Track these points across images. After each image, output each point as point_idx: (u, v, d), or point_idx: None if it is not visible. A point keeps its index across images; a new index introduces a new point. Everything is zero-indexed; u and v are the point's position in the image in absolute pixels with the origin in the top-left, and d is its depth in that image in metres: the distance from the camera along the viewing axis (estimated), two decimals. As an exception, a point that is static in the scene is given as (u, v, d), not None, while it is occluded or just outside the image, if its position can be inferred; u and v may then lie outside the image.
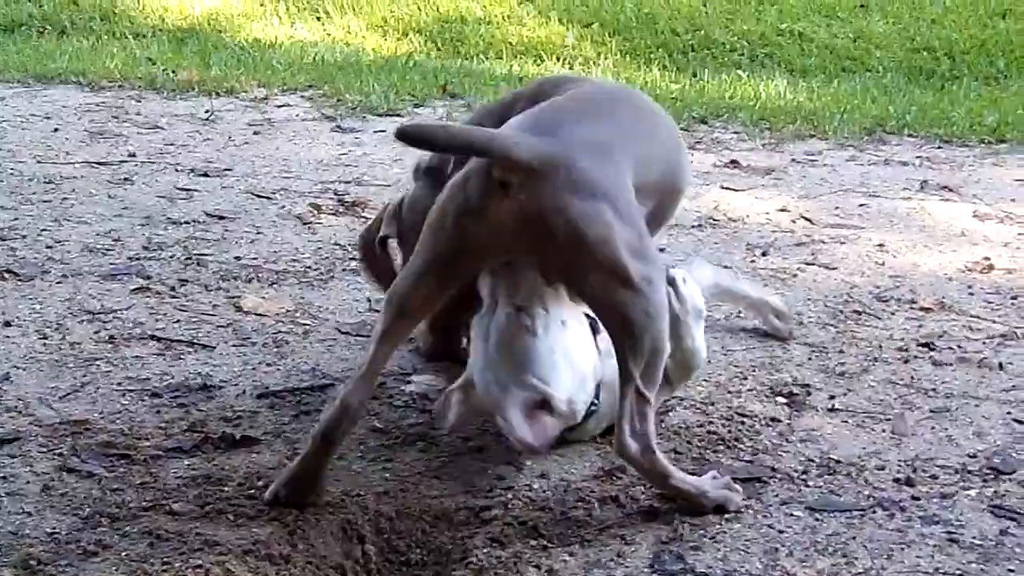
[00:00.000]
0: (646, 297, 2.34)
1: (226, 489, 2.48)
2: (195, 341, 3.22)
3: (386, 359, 2.50)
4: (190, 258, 3.84)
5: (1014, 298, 3.62)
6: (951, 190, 4.80)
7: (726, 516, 2.41)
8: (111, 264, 3.75)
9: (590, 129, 2.44)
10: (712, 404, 2.90)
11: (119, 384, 2.96)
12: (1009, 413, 2.86)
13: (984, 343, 3.28)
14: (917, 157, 5.35)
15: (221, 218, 4.27)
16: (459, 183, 2.39)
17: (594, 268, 2.32)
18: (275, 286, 3.63)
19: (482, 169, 2.34)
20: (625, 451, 2.37)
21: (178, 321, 3.35)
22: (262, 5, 9.46)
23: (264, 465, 2.58)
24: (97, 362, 3.07)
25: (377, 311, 3.38)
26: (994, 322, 3.43)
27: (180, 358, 3.12)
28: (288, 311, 3.44)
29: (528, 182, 2.29)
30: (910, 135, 5.75)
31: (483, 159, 2.34)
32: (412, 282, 2.43)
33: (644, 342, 2.35)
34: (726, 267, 3.87)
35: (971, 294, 3.66)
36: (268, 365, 3.10)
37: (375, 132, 5.66)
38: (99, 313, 3.37)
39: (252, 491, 2.47)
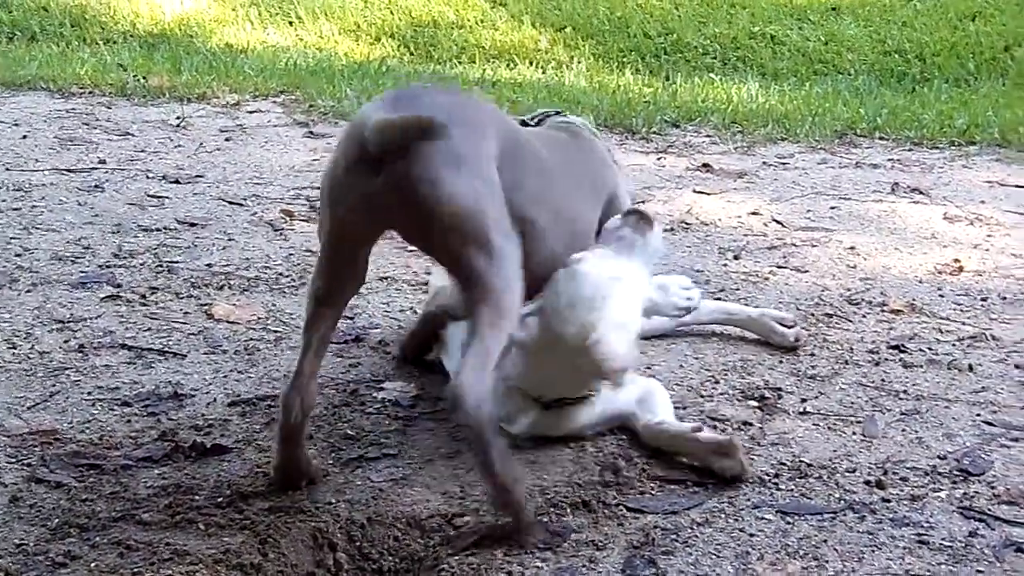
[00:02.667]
0: (502, 266, 2.39)
1: (197, 498, 2.47)
2: (166, 349, 3.21)
3: (318, 350, 2.53)
4: (161, 266, 3.82)
5: (983, 300, 3.64)
6: (921, 192, 4.83)
7: (697, 520, 2.41)
8: (81, 272, 3.73)
9: (453, 102, 2.51)
10: (684, 408, 2.89)
11: (89, 393, 2.94)
12: (979, 415, 2.88)
13: (954, 345, 3.29)
14: (888, 160, 5.38)
15: (192, 225, 4.25)
16: (331, 164, 2.46)
17: (464, 238, 2.37)
18: (246, 293, 3.62)
19: (353, 146, 2.38)
20: (459, 402, 2.28)
21: (148, 329, 3.33)
22: (234, 10, 9.44)
23: (235, 474, 2.57)
24: (67, 371, 3.06)
25: (349, 318, 3.42)
26: (964, 324, 3.44)
27: (150, 366, 3.10)
28: (259, 318, 3.43)
29: (401, 155, 2.34)
30: (881, 138, 5.78)
31: (352, 137, 2.39)
32: (321, 264, 2.50)
33: (501, 308, 2.38)
34: (699, 270, 3.88)
35: (941, 296, 3.68)
36: (239, 373, 3.08)
37: (347, 137, 5.65)
38: (69, 322, 3.36)
39: (222, 500, 2.46)
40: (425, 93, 2.55)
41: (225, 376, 3.06)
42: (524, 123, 3.07)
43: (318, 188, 4.63)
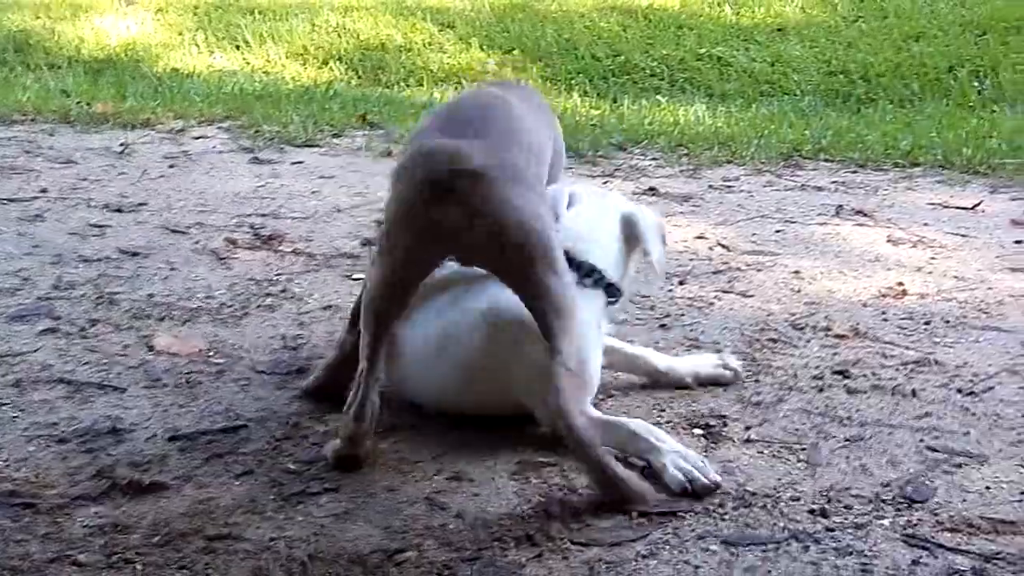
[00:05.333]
0: (567, 280, 2.59)
1: (133, 537, 2.43)
2: (105, 383, 3.16)
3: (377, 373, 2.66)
4: (101, 297, 3.77)
5: (927, 323, 3.65)
6: (866, 215, 4.85)
7: (642, 553, 2.39)
8: (19, 304, 3.68)
9: (498, 125, 2.65)
10: (629, 437, 2.87)
11: (25, 430, 2.89)
12: (922, 441, 2.88)
13: (897, 370, 3.30)
14: (832, 182, 5.40)
15: (134, 255, 4.21)
16: (404, 191, 2.54)
17: (534, 252, 2.52)
18: (188, 324, 3.58)
19: (426, 174, 2.49)
20: (570, 421, 2.48)
21: (87, 363, 3.29)
22: (180, 34, 9.40)
23: (173, 511, 2.53)
24: (2, 407, 3.00)
25: (292, 349, 3.38)
26: (907, 348, 3.45)
27: (89, 401, 3.06)
28: (201, 350, 3.39)
29: (474, 183, 2.48)
30: (826, 159, 5.81)
31: (421, 165, 2.52)
32: (381, 291, 2.60)
33: (571, 321, 2.55)
34: (645, 296, 3.87)
35: (885, 320, 3.68)
36: (180, 407, 3.04)
37: (292, 163, 5.63)
38: (5, 356, 3.30)
39: (159, 539, 2.42)
40: (468, 113, 2.70)
41: (165, 410, 3.02)
42: None
43: (263, 215, 4.67)
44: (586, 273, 2.91)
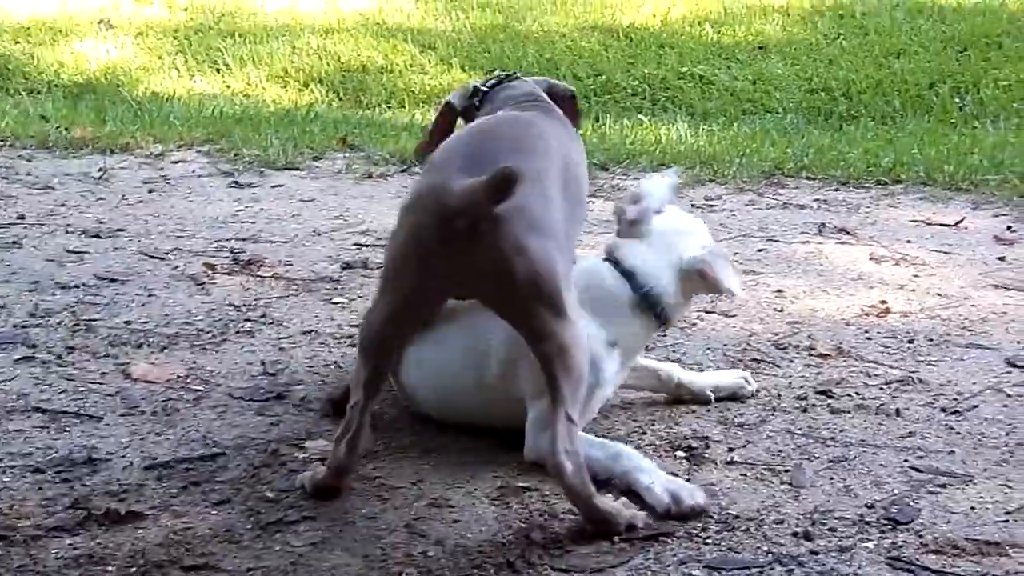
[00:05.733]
0: (574, 324, 2.52)
1: (109, 569, 2.40)
2: (81, 412, 3.12)
3: (372, 407, 2.64)
4: (78, 324, 3.73)
5: (910, 342, 3.63)
6: (848, 233, 4.83)
7: (624, 579, 2.37)
8: (-5, 333, 3.65)
9: (526, 162, 2.54)
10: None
11: (0, 460, 2.85)
12: (906, 461, 2.86)
13: (881, 389, 3.28)
14: (815, 200, 5.38)
15: (112, 281, 4.17)
16: (415, 227, 2.49)
17: (539, 300, 2.48)
18: (166, 351, 3.54)
19: (439, 214, 2.43)
20: (561, 470, 2.44)
21: (64, 391, 3.25)
22: (160, 58, 9.37)
23: (150, 542, 2.49)
24: (-23, 438, 2.97)
25: (271, 375, 3.35)
26: (891, 367, 3.43)
27: (65, 430, 3.02)
28: (179, 377, 3.35)
29: (492, 226, 2.43)
30: (808, 177, 5.79)
31: (435, 202, 2.46)
32: (383, 325, 2.57)
33: (575, 367, 2.50)
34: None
35: (868, 339, 3.66)
36: (157, 435, 3.01)
37: (272, 187, 5.59)
38: (-19, 385, 3.27)
39: (136, 570, 2.38)
40: (496, 146, 2.62)
41: (142, 438, 2.98)
42: (477, 90, 3.10)
43: (243, 239, 4.63)
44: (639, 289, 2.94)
